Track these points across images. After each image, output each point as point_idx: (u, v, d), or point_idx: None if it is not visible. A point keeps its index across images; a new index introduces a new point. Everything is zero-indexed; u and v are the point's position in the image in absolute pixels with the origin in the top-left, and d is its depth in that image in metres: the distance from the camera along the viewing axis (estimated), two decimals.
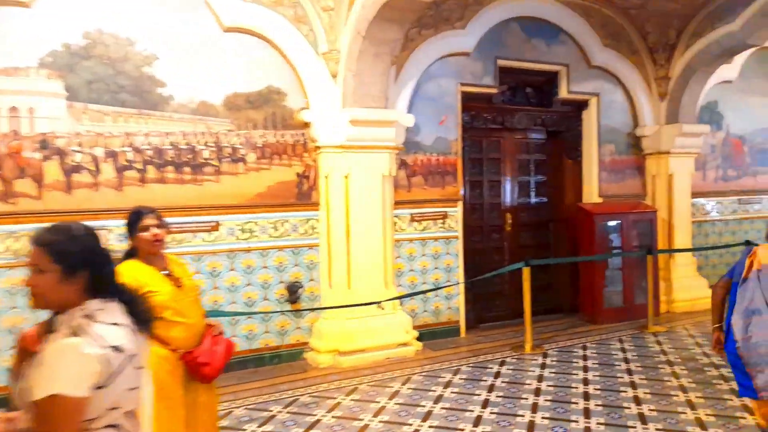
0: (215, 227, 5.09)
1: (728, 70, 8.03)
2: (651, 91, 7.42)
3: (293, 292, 5.40)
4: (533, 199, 7.33)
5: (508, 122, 6.84)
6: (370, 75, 5.32)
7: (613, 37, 7.12)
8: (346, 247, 5.47)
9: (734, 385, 4.43)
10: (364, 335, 5.38)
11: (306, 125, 5.44)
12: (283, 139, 5.41)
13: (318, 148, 5.48)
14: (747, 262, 2.92)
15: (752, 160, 8.52)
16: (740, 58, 8.11)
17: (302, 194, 5.48)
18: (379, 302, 4.83)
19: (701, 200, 8.00)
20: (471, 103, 6.48)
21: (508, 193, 7.13)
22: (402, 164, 5.93)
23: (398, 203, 5.90)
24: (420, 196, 6.04)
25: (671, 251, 7.28)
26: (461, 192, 6.40)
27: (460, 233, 6.30)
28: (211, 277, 5.08)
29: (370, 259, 5.53)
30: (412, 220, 6.01)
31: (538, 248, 7.29)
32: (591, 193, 7.23)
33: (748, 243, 7.13)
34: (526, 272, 5.69)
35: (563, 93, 6.96)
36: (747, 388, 2.86)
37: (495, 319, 6.90)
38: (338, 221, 5.48)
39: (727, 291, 3.07)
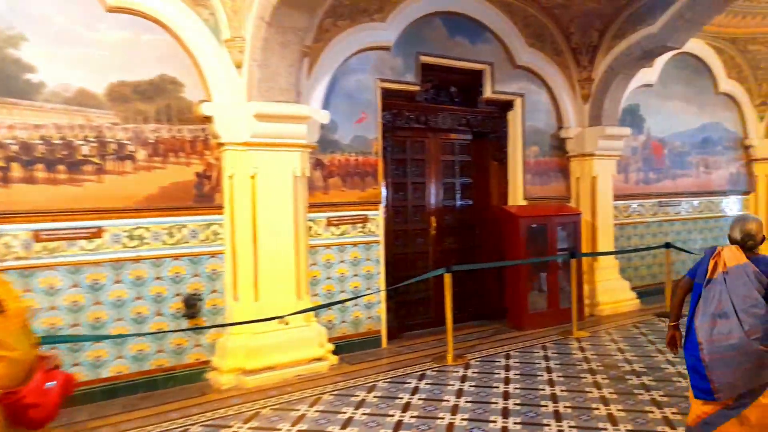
0: (97, 234, 4.46)
1: (649, 74, 8.12)
2: (575, 92, 7.35)
3: (191, 305, 4.85)
4: (459, 202, 7.08)
5: (432, 122, 6.55)
6: (278, 66, 4.86)
7: (538, 37, 6.99)
8: (254, 254, 4.97)
9: (655, 395, 4.29)
10: (272, 351, 4.90)
11: (207, 120, 4.91)
12: (180, 134, 4.85)
13: (221, 145, 4.96)
14: (711, 264, 2.86)
15: (671, 163, 8.67)
16: (660, 63, 8.22)
17: (203, 196, 4.94)
18: (282, 317, 4.37)
19: (624, 202, 8.03)
20: (392, 100, 6.14)
21: (433, 195, 6.85)
22: (317, 164, 5.50)
23: (313, 206, 5.46)
24: (338, 199, 5.63)
25: (595, 254, 7.22)
26: (382, 194, 6.04)
27: (381, 238, 5.93)
28: (91, 291, 4.45)
29: (281, 268, 5.06)
30: (329, 224, 5.58)
31: (464, 252, 7.06)
32: (516, 196, 7.06)
33: (668, 245, 7.18)
34: (448, 279, 5.39)
35: (488, 93, 6.75)
36: (702, 391, 2.83)
37: (420, 327, 6.59)
38: (244, 226, 4.98)
39: (688, 291, 3.05)
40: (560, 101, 7.27)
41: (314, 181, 5.47)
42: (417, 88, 6.16)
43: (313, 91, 5.36)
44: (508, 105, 7.04)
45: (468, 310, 7.01)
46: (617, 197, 7.81)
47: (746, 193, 9.73)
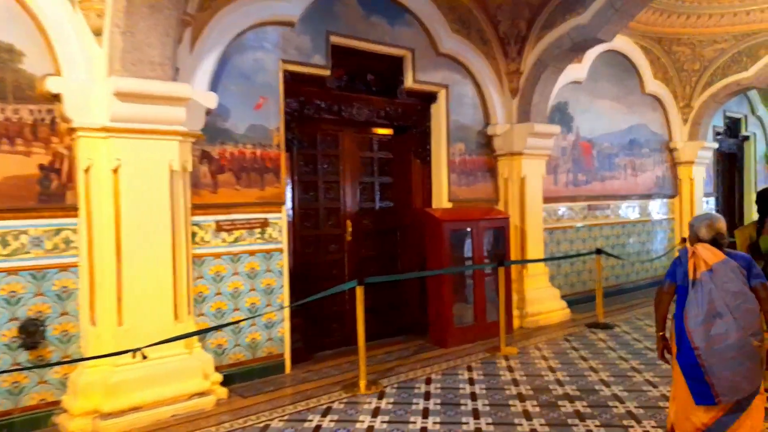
0: None
1: (578, 70, 7.75)
2: (502, 86, 6.82)
3: (31, 333, 3.82)
4: (378, 204, 6.35)
5: (346, 113, 5.79)
6: (148, 34, 3.94)
7: (463, 23, 6.39)
8: (117, 267, 4.00)
9: (591, 425, 3.71)
10: (139, 386, 3.94)
11: (55, 98, 3.90)
12: (17, 116, 3.82)
13: (73, 130, 3.96)
14: (690, 264, 2.80)
15: (600, 165, 8.36)
16: (589, 59, 7.88)
17: (50, 195, 3.93)
18: (137, 350, 3.43)
19: (553, 206, 7.60)
20: (299, 86, 5.33)
21: (349, 196, 6.08)
22: (204, 157, 4.60)
23: (199, 208, 4.55)
24: (230, 199, 4.74)
25: (525, 262, 6.69)
26: (287, 194, 5.21)
27: (285, 245, 5.09)
28: None
29: (153, 283, 4.11)
30: (220, 229, 4.68)
31: (384, 260, 6.34)
32: (441, 198, 6.42)
33: (599, 251, 6.76)
34: (360, 293, 4.62)
35: (409, 82, 6.07)
36: (703, 396, 2.75)
37: (334, 345, 5.81)
38: (105, 232, 4.00)
39: (673, 296, 2.95)
40: (487, 95, 6.71)
41: (200, 178, 4.57)
42: (327, 72, 5.38)
43: (198, 69, 4.45)
44: (431, 97, 6.40)
45: (388, 325, 6.29)
46: (546, 200, 7.37)
47: (672, 196, 9.63)
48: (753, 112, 11.76)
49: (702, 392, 2.73)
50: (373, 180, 6.30)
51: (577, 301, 7.77)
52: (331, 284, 5.40)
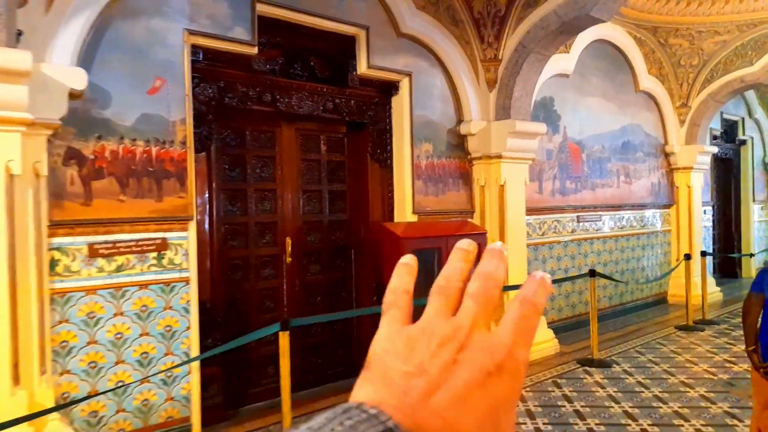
0: None
1: (565, 62, 6.71)
2: (478, 76, 5.73)
3: None
4: (328, 217, 5.19)
5: (282, 103, 4.63)
6: None
7: None
8: None
9: None
10: None
11: None
12: None
13: None
14: None
15: (590, 171, 7.31)
16: (577, 49, 6.84)
17: None
18: None
19: (538, 217, 6.51)
20: (217, 67, 4.17)
21: (290, 207, 4.91)
22: (72, 157, 3.39)
23: (63, 226, 3.34)
24: (111, 213, 3.53)
25: (505, 288, 5.56)
26: (199, 206, 4.03)
27: (193, 273, 3.89)
28: None
29: None
30: (94, 254, 3.47)
31: (335, 286, 5.18)
32: (404, 209, 5.28)
33: (593, 273, 5.66)
34: (284, 340, 3.43)
35: (362, 68, 4.94)
36: None
37: (266, 396, 4.60)
38: None
39: (761, 308, 2.84)
40: (459, 86, 5.60)
41: (65, 185, 3.35)
42: (253, 51, 4.21)
43: (56, 37, 3.25)
44: (391, 87, 5.27)
45: (338, 366, 5.12)
46: (530, 211, 6.29)
47: (668, 206, 8.63)
48: (750, 114, 10.88)
49: None
50: (320, 188, 5.14)
51: (566, 327, 6.70)
52: (265, 319, 4.29)
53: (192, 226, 3.87)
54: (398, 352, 0.38)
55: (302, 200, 5.00)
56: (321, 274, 5.10)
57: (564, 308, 6.80)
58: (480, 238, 5.27)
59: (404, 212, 5.27)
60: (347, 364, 5.20)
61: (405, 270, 0.48)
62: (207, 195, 4.24)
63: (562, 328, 6.63)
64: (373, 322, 3.69)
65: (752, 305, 2.83)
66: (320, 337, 5.04)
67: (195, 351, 3.84)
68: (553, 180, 6.74)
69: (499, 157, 5.65)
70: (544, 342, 5.89)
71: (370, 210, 5.32)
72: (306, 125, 5.01)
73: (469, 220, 5.73)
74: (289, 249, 4.85)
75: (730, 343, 6.13)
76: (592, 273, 5.61)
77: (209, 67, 4.12)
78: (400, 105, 5.28)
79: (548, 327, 6.20)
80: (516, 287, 5.47)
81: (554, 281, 6.20)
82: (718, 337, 6.43)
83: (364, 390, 0.37)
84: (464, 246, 0.44)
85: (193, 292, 3.88)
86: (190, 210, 3.86)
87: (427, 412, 0.35)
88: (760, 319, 2.82)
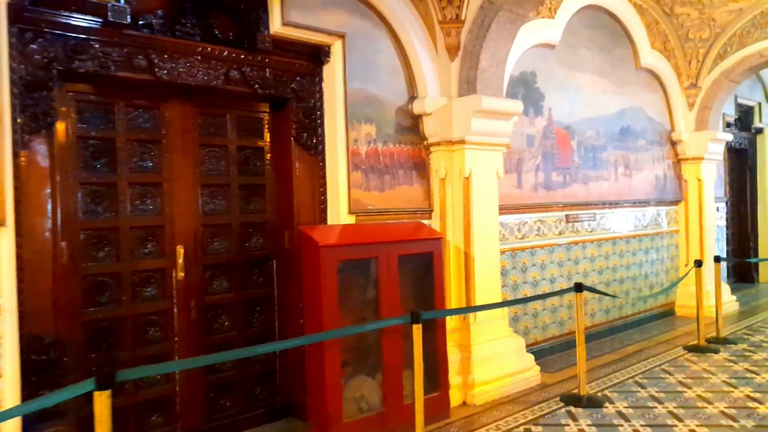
0: None
1: (549, 29, 5.57)
2: (436, 41, 4.60)
3: None
4: (240, 219, 4.08)
5: (165, 70, 3.52)
6: None
7: None
8: None
9: None
10: None
11: None
12: None
13: None
14: None
15: (582, 161, 6.16)
16: (565, 15, 5.70)
17: None
18: None
19: (516, 217, 5.38)
20: (57, 16, 3.07)
21: (183, 207, 3.80)
22: None
23: None
24: None
25: (454, 312, 4.40)
26: (33, 206, 2.94)
27: (9, 299, 2.80)
28: None
29: None
30: None
31: (250, 306, 4.08)
32: (338, 208, 4.17)
33: (579, 288, 4.51)
34: (102, 404, 2.31)
35: (276, 25, 3.83)
36: None
37: None
38: None
39: None
40: (412, 53, 4.49)
41: None
42: None
43: None
44: (320, 53, 4.15)
45: (255, 404, 4.04)
46: (506, 209, 5.17)
47: (676, 202, 7.47)
48: None
49: None
50: (229, 181, 4.03)
51: (553, 349, 5.60)
52: (147, 353, 3.30)
53: (4, 235, 2.77)
54: None
55: (202, 197, 3.89)
56: (230, 292, 3.99)
57: (550, 326, 5.67)
58: (432, 244, 4.14)
59: (338, 212, 4.16)
60: (268, 405, 4.11)
61: None
62: (49, 191, 3.15)
63: (548, 350, 5.54)
64: (299, 350, 2.25)
65: None
66: (229, 373, 3.95)
67: (9, 404, 2.74)
68: (535, 172, 5.59)
69: (463, 142, 4.52)
70: (523, 371, 4.76)
71: (297, 210, 4.19)
72: (207, 101, 3.90)
73: (426, 221, 4.61)
74: (181, 261, 3.74)
75: (752, 371, 4.98)
76: (578, 287, 4.45)
77: (48, 17, 3.02)
78: (332, 75, 4.16)
79: (531, 350, 5.09)
80: (487, 307, 4.35)
81: (531, 298, 5.09)
82: (736, 362, 5.28)
83: None
84: None
85: (8, 326, 2.78)
86: (1, 213, 2.75)
87: None
88: None
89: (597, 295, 6.06)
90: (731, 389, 4.54)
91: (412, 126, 4.55)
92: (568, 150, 5.97)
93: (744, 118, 9.34)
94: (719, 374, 4.94)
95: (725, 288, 7.51)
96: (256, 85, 3.91)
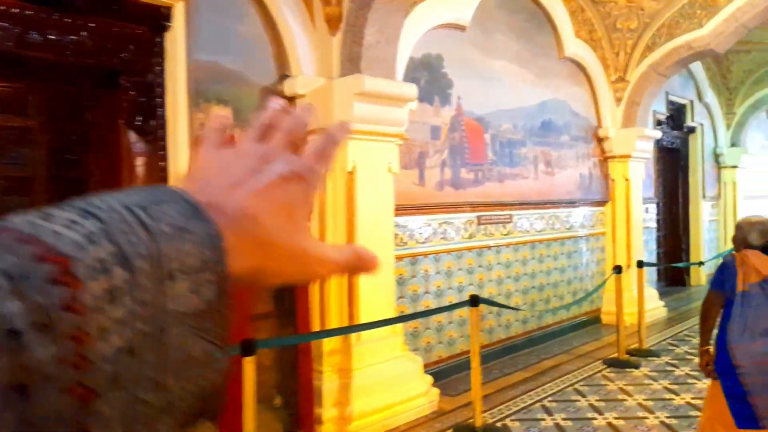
0: None
1: (459, 7, 4.95)
2: (312, 10, 3.89)
3: None
4: None
5: None
6: None
7: None
8: None
9: None
10: None
11: None
12: None
13: None
14: (739, 274, 2.61)
15: (497, 157, 5.58)
16: None
17: None
18: None
19: (416, 218, 4.74)
20: None
21: None
22: None
23: None
24: None
25: (300, 339, 3.68)
26: None
27: None
28: None
29: None
30: None
31: None
32: None
33: (474, 301, 3.89)
34: None
35: None
36: (745, 419, 2.55)
37: None
38: None
39: (722, 307, 2.72)
40: (282, 24, 3.77)
41: None
42: None
43: None
44: (159, 17, 3.38)
45: None
46: (405, 209, 4.52)
47: (602, 203, 7.02)
48: (700, 98, 9.45)
49: (744, 414, 2.53)
50: (33, 174, 3.21)
51: (460, 367, 4.96)
52: None
53: None
54: (213, 173, 0.40)
55: None
56: None
57: (458, 340, 5.06)
58: None
59: None
60: None
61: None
62: None
63: (455, 368, 4.92)
64: None
65: (711, 306, 2.78)
66: None
67: None
68: (441, 168, 4.97)
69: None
70: (415, 397, 4.11)
71: None
72: (3, 71, 3.07)
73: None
74: None
75: (672, 391, 4.50)
76: (474, 301, 3.83)
77: None
78: (173, 42, 3.39)
79: (433, 370, 4.48)
80: (378, 323, 3.67)
81: (425, 313, 4.44)
82: (656, 379, 4.80)
83: None
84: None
85: None
86: None
87: (226, 197, 0.37)
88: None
89: (515, 302, 5.50)
90: (646, 415, 4.03)
91: None
92: (481, 144, 5.38)
93: (676, 117, 9.06)
94: (636, 395, 4.44)
95: (653, 293, 7.13)
96: (67, 53, 3.10)
